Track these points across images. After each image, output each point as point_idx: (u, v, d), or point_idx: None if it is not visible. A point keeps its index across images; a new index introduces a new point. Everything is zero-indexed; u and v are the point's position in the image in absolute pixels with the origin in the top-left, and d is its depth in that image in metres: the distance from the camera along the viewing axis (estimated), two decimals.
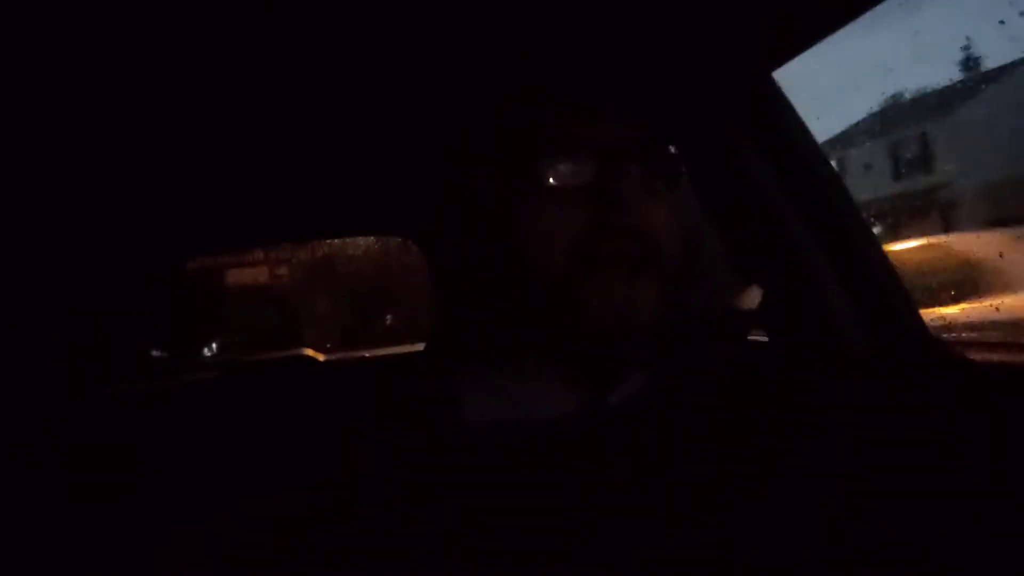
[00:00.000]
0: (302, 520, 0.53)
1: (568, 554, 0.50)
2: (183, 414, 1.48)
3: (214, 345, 5.39)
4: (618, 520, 0.51)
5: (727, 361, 0.63)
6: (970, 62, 15.45)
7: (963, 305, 2.10)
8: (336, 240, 4.13)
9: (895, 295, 0.93)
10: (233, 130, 0.92)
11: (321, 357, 1.89)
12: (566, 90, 0.62)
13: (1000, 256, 2.97)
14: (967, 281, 2.78)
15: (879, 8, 0.67)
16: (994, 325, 1.99)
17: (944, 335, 0.94)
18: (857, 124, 13.56)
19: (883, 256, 0.95)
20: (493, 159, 0.61)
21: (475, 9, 0.68)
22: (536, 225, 0.57)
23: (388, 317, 6.68)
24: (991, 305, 2.23)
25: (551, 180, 0.56)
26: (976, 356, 0.82)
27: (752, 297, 0.74)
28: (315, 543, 0.52)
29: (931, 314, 1.13)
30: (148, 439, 1.36)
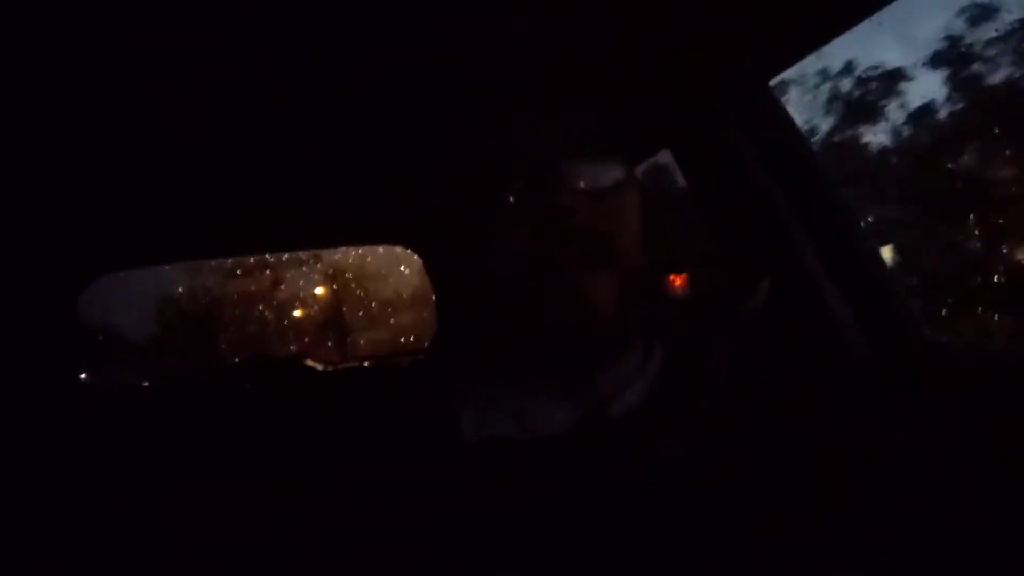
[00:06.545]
0: (292, 536, 0.53)
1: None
2: (171, 416, 1.46)
3: None
4: (617, 544, 0.50)
5: (728, 365, 0.63)
6: None
7: None
8: None
9: (891, 297, 0.95)
10: (234, 139, 0.93)
11: (320, 367, 1.87)
12: (517, 96, 0.62)
13: None
14: None
15: None
16: None
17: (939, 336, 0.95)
18: None
19: (879, 258, 0.97)
20: (454, 173, 0.61)
21: (471, 13, 0.69)
22: (487, 238, 0.57)
23: None
24: None
25: (494, 194, 0.57)
26: (971, 357, 0.83)
27: (754, 301, 0.74)
28: (305, 561, 0.52)
29: None
30: (140, 439, 1.34)
